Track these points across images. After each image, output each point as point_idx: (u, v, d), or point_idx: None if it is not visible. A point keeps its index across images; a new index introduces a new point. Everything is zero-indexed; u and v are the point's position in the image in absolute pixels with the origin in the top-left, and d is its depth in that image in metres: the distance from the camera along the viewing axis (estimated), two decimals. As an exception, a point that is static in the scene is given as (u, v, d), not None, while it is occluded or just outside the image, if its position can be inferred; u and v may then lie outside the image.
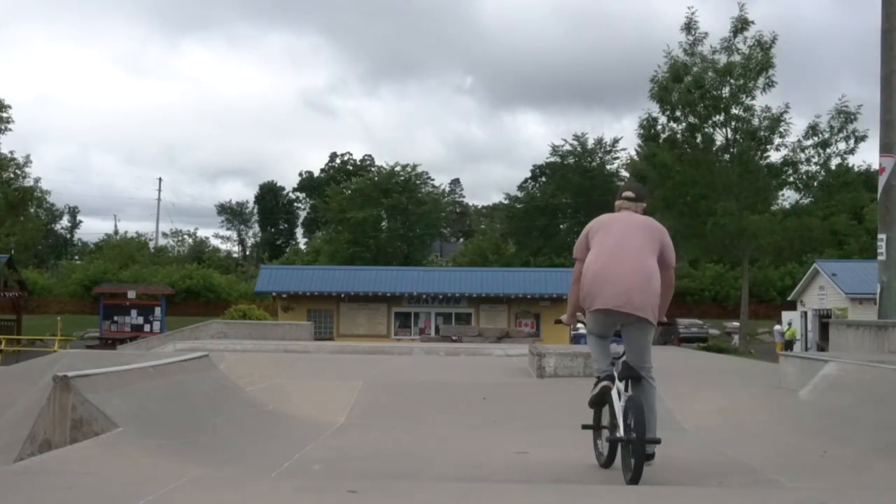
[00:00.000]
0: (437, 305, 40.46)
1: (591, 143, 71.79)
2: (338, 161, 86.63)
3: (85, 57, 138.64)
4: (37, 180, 49.72)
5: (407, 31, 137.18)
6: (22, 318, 39.31)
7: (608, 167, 71.42)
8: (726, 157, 36.46)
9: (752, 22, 35.09)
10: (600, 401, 5.45)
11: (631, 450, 5.03)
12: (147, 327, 37.94)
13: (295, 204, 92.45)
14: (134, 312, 39.17)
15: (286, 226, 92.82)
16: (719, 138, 36.54)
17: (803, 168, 35.56)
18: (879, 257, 14.51)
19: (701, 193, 35.91)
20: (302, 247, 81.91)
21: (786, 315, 41.61)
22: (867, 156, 65.63)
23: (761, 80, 34.78)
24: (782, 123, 35.03)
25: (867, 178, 42.37)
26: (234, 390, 7.86)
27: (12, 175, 46.35)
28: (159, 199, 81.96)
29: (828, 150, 34.78)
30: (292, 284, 40.62)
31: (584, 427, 5.76)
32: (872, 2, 29.20)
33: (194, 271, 59.31)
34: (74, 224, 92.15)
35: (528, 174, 77.49)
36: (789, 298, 44.28)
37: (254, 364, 10.94)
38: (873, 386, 6.83)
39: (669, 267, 5.44)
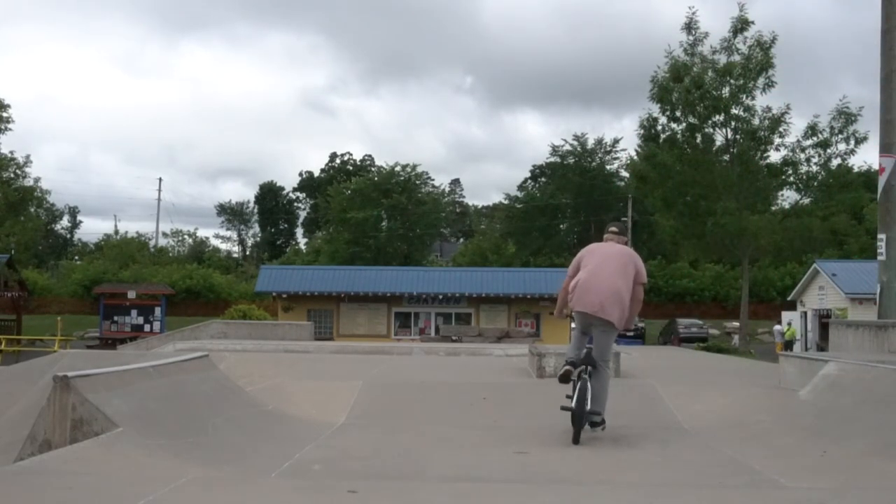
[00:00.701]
0: (437, 305, 40.45)
1: (591, 143, 71.77)
2: (338, 161, 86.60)
3: (85, 57, 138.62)
4: (37, 180, 49.83)
5: (407, 30, 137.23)
6: (22, 318, 39.30)
7: (608, 167, 71.38)
8: (726, 157, 36.47)
9: (752, 22, 35.16)
10: (563, 379, 7.04)
11: (572, 416, 6.76)
12: (147, 327, 37.95)
13: (295, 204, 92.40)
14: (134, 312, 39.17)
15: (286, 226, 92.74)
16: (719, 138, 36.58)
17: (803, 168, 35.58)
18: (879, 257, 14.51)
19: (701, 193, 35.92)
20: (302, 247, 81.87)
21: (786, 315, 41.59)
22: (867, 156, 65.62)
23: (761, 81, 34.79)
24: (782, 124, 35.06)
25: (867, 178, 42.39)
26: (234, 390, 7.86)
27: (12, 175, 46.42)
28: (159, 199, 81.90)
29: (828, 151, 34.81)
30: (292, 284, 40.61)
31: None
32: (872, 2, 29.22)
33: (194, 271, 59.24)
34: (74, 224, 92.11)
35: (528, 174, 77.48)
36: (789, 298, 44.26)
37: (254, 364, 10.95)
38: (873, 386, 6.83)
39: (640, 283, 7.19)
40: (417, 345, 22.63)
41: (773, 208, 38.20)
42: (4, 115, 45.14)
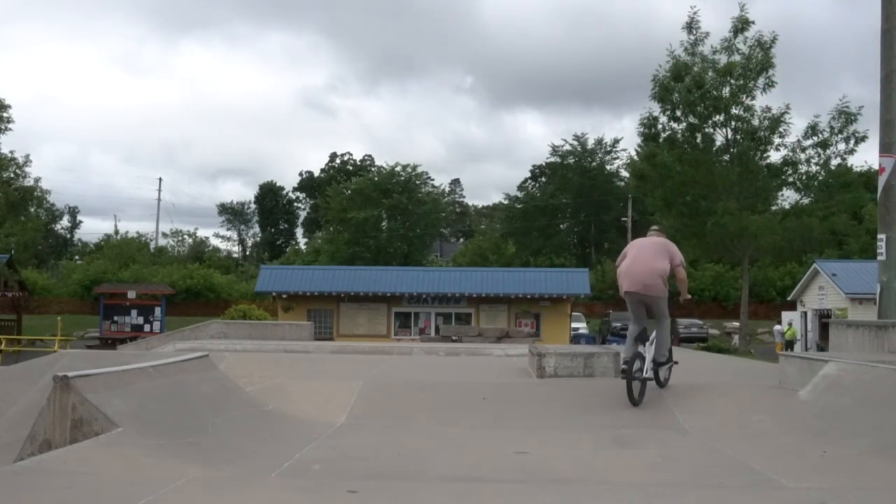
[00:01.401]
0: (437, 305, 40.43)
1: (591, 143, 71.87)
2: (338, 161, 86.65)
3: (84, 57, 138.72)
4: (37, 180, 49.93)
5: (407, 30, 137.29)
6: (22, 318, 39.30)
7: (608, 167, 71.46)
8: (726, 157, 36.47)
9: (753, 22, 35.19)
10: (625, 377, 8.28)
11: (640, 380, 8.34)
12: (147, 327, 37.96)
13: (295, 204, 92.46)
14: (134, 312, 39.19)
15: (286, 226, 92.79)
16: (719, 138, 36.59)
17: (803, 168, 35.58)
18: (879, 257, 14.49)
19: (701, 193, 35.92)
20: (302, 247, 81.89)
21: (786, 315, 41.60)
22: (867, 156, 65.64)
23: (761, 80, 34.81)
24: (782, 123, 35.06)
25: (867, 178, 42.36)
26: (234, 390, 7.86)
27: (12, 175, 46.48)
28: (159, 199, 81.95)
29: (828, 151, 34.81)
30: (292, 284, 40.59)
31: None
32: (872, 2, 29.21)
33: (194, 271, 59.23)
34: (74, 224, 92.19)
35: (528, 174, 77.61)
36: (789, 298, 44.26)
37: (254, 364, 10.93)
38: (873, 386, 6.83)
39: (678, 265, 8.70)
40: (417, 345, 22.60)
41: (773, 208, 38.20)
42: (4, 115, 45.21)
